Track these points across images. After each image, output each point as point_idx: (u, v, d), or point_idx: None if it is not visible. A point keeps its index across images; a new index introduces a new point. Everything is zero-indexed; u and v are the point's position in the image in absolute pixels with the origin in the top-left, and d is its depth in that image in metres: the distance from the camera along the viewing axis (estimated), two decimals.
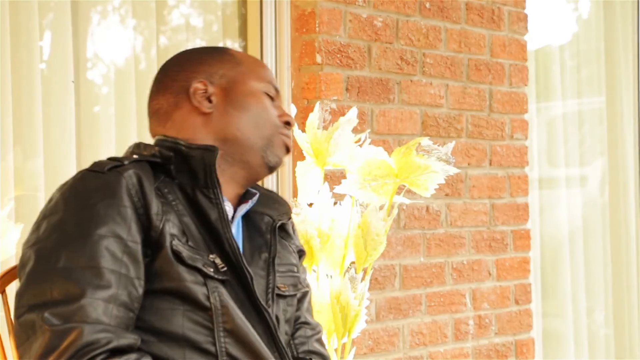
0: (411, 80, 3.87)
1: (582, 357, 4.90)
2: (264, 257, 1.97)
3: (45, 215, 1.81)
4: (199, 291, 1.80)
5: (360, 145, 2.84)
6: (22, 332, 1.71)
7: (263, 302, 1.89)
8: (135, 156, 1.90)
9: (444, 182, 2.77)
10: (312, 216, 2.81)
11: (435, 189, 2.82)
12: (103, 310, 1.70)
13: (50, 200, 1.84)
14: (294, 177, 3.07)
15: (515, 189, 4.31)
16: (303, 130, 2.91)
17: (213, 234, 1.87)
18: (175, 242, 1.80)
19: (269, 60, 3.58)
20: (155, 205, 1.80)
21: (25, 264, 1.78)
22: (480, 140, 4.14)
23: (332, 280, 2.80)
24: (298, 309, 2.06)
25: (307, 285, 2.10)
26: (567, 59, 5.00)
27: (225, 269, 1.84)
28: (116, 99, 3.32)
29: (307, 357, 2.05)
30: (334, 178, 3.39)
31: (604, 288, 5.01)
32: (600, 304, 5.01)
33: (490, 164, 4.20)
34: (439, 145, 2.82)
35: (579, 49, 5.06)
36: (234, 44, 3.67)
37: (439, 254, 3.96)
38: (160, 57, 3.44)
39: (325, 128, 2.89)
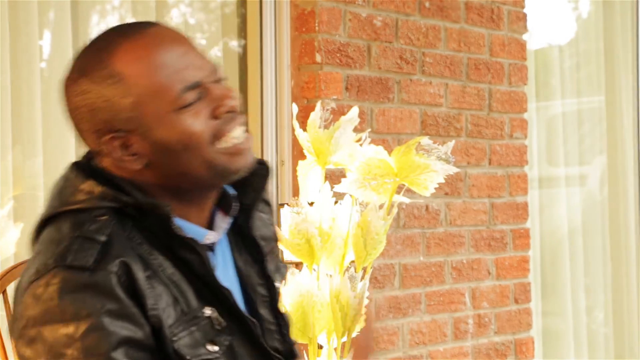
0: (411, 80, 3.87)
1: (581, 356, 4.90)
2: (257, 268, 1.75)
3: (38, 324, 1.52)
4: None
5: (361, 145, 2.84)
6: None
7: (274, 343, 1.73)
8: (100, 215, 1.57)
9: (443, 181, 2.76)
10: (313, 215, 2.81)
11: (435, 188, 2.81)
12: None
13: (24, 315, 1.53)
14: (295, 176, 3.07)
15: (514, 188, 4.31)
16: (304, 130, 2.91)
17: (201, 281, 1.63)
18: (176, 338, 1.58)
19: (268, 60, 3.57)
20: (150, 295, 1.56)
21: None
22: (479, 139, 4.15)
23: (332, 279, 2.80)
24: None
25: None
26: (566, 58, 5.00)
27: (223, 325, 1.64)
28: None
29: None
30: (333, 177, 3.39)
31: (603, 287, 5.01)
32: (600, 302, 5.01)
33: (490, 163, 4.20)
34: (438, 145, 2.82)
35: (579, 48, 5.06)
36: (233, 43, 3.67)
37: (438, 253, 3.96)
38: None
39: (325, 127, 2.89)
